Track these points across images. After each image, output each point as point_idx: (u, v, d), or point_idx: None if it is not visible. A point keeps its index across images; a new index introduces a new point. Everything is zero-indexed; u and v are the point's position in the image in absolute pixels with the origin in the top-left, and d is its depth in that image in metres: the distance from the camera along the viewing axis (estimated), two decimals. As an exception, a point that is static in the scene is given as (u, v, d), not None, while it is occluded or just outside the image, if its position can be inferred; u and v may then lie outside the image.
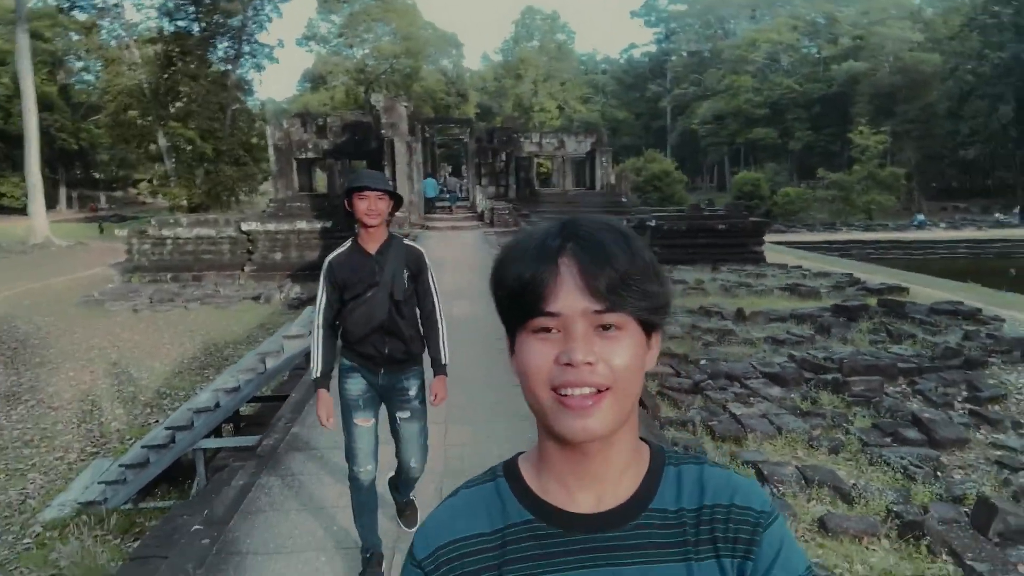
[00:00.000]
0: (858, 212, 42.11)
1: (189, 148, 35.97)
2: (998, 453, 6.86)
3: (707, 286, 15.66)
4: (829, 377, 8.80)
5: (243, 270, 20.50)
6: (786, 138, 63.06)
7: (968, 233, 33.49)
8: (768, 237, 31.09)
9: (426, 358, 3.64)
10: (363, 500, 3.52)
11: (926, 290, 15.72)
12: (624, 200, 23.13)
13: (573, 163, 25.39)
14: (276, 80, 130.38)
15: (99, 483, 5.77)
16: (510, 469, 0.91)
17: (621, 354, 0.80)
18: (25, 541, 5.55)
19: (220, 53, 38.11)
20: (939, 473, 6.36)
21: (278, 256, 20.84)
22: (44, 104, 43.31)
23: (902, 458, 6.47)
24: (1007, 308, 13.99)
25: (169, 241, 20.71)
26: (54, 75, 56.13)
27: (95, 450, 7.49)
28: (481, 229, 19.07)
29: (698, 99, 70.65)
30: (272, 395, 7.15)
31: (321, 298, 3.49)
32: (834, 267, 19.74)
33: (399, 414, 3.56)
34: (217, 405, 5.61)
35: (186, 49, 35.32)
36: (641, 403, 6.21)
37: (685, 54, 79.67)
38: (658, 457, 0.90)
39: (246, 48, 38.86)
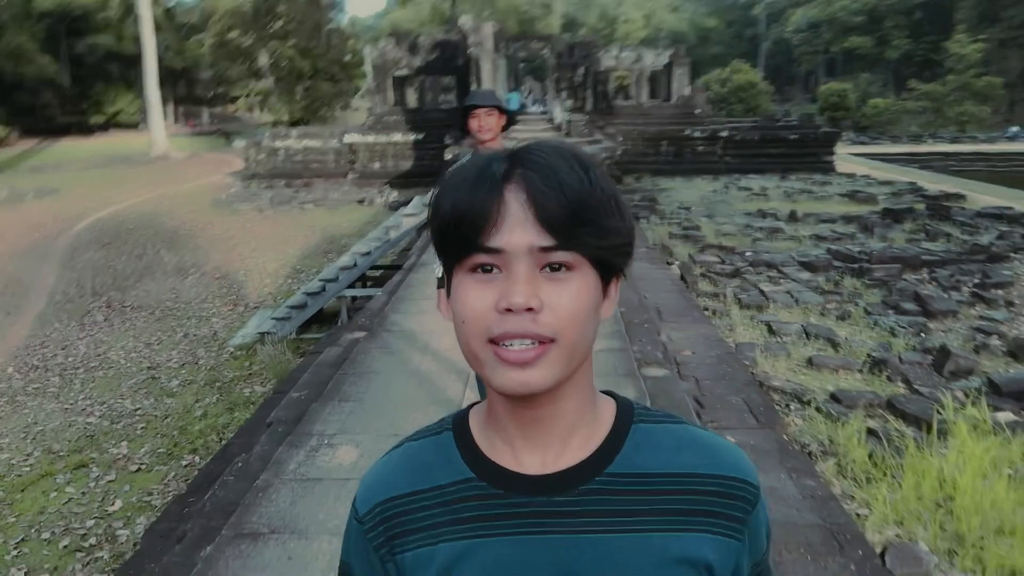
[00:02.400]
0: (950, 124, 41.12)
1: (288, 65, 38.18)
2: (981, 322, 8.24)
3: (770, 192, 16.87)
4: (856, 266, 10.20)
5: (346, 177, 22.76)
6: (883, 47, 60.64)
7: (1062, 146, 32.70)
8: (850, 149, 31.42)
9: None
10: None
11: (984, 197, 16.47)
12: (698, 111, 24.05)
13: (649, 77, 26.27)
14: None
15: (272, 318, 7.94)
16: (459, 422, 0.84)
17: (569, 300, 0.70)
18: (223, 357, 7.80)
19: (315, -28, 39.74)
20: (922, 334, 7.83)
21: (376, 165, 22.96)
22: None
23: (894, 322, 7.98)
24: (1057, 214, 14.70)
25: (281, 152, 23.08)
26: (159, -2, 59.11)
27: (255, 305, 9.75)
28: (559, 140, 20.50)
29: (793, 6, 68.22)
30: (391, 264, 9.13)
31: None
32: (902, 176, 20.42)
33: None
34: (355, 264, 7.57)
35: (283, -32, 37.20)
36: (682, 278, 7.92)
37: (783, -43, 76.38)
38: (625, 414, 0.82)
39: (340, -34, 40.28)
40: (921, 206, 14.27)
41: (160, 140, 36.00)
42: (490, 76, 20.34)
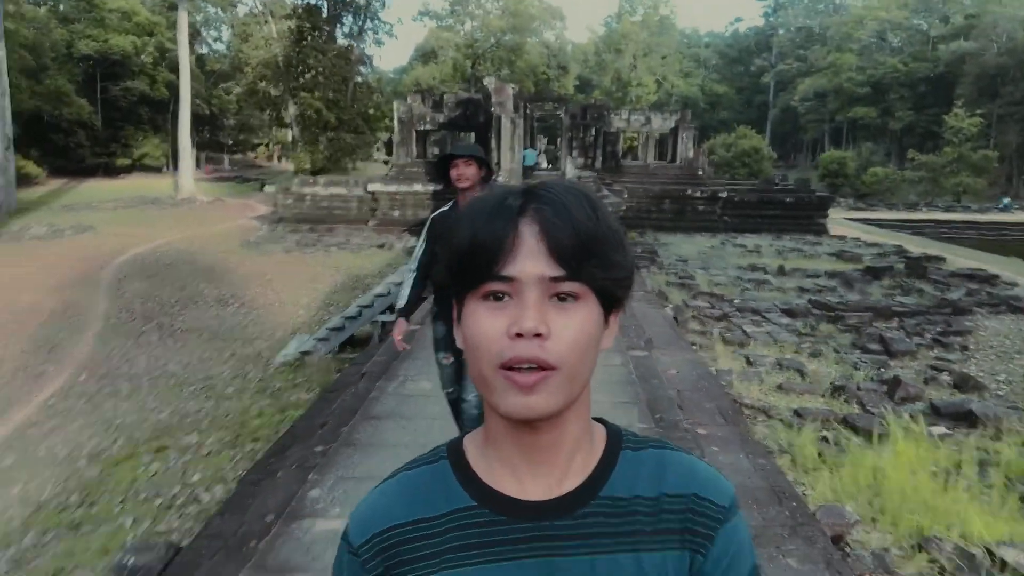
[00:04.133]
0: (947, 194, 42.66)
1: (315, 116, 40.02)
2: (936, 362, 9.31)
3: (763, 249, 18.11)
4: (832, 313, 11.32)
5: (368, 223, 24.15)
6: (887, 117, 62.63)
7: (1050, 218, 34.02)
8: (848, 214, 32.77)
9: None
10: (456, 410, 4.26)
11: (962, 260, 17.63)
12: (700, 173, 25.50)
13: (657, 139, 27.82)
14: (391, 53, 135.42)
15: (314, 339, 9.09)
16: (454, 450, 0.88)
17: (575, 329, 0.76)
18: (269, 371, 8.93)
19: (345, 29, 42.00)
20: (882, 369, 8.91)
21: (396, 213, 24.36)
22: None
23: (858, 359, 9.07)
24: (1031, 277, 15.83)
25: (308, 198, 24.55)
26: (192, 45, 61.74)
27: (293, 331, 10.90)
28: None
29: (801, 75, 70.61)
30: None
31: (420, 247, 4.05)
32: (889, 240, 21.66)
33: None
34: (388, 292, 8.73)
35: (316, 24, 39.29)
36: (675, 318, 9.09)
37: (792, 29, 79.19)
38: (614, 440, 0.87)
39: (368, 24, 42.63)
40: (901, 265, 15.43)
41: (187, 183, 37.57)
42: (509, 133, 21.92)
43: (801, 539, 4.25)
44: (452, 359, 4.13)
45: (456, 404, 4.26)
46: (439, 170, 3.88)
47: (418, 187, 24.11)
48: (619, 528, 0.82)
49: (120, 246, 19.85)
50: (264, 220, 26.53)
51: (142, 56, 50.14)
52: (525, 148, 25.03)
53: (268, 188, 27.90)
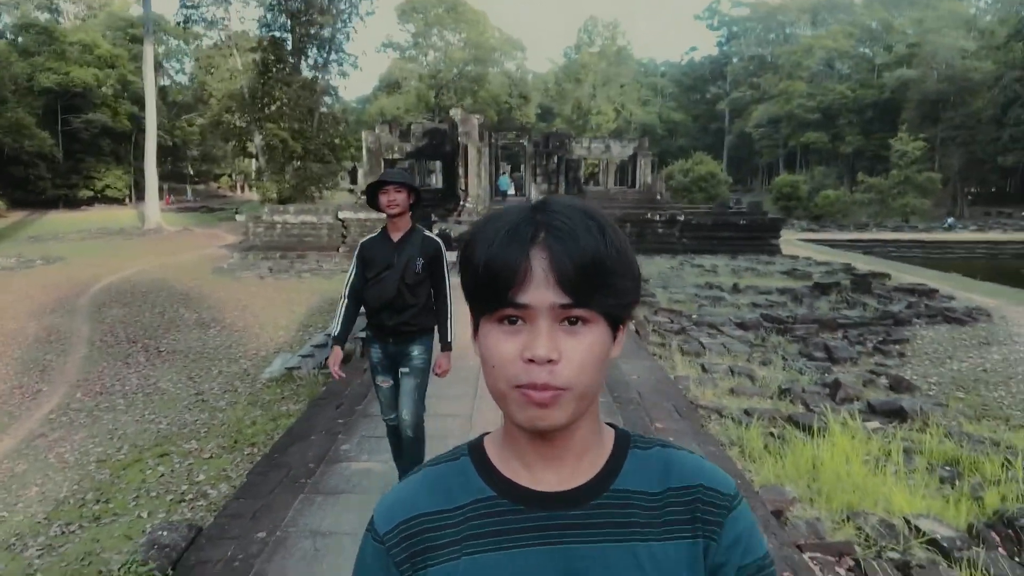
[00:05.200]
0: (895, 215, 44.62)
1: (281, 146, 40.46)
2: (875, 367, 10.18)
3: (719, 269, 19.06)
4: (782, 326, 12.19)
5: (338, 250, 24.67)
6: (837, 142, 65.07)
7: (990, 235, 35.86)
8: (801, 235, 34.14)
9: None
10: (395, 442, 4.31)
11: (906, 276, 18.75)
12: (659, 197, 26.60)
13: (617, 165, 28.91)
14: (355, 84, 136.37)
15: (298, 355, 9.64)
16: (475, 449, 0.94)
17: (584, 352, 0.81)
18: (257, 386, 9.46)
19: (310, 61, 42.68)
20: (825, 374, 9.74)
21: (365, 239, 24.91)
22: (143, 102, 47.74)
23: (803, 365, 9.90)
24: (967, 291, 16.96)
25: (279, 226, 25.02)
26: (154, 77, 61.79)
27: (275, 350, 11.43)
28: (536, 220, 22.86)
29: (755, 102, 73.01)
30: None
31: (351, 273, 4.07)
32: (838, 258, 22.82)
33: (401, 370, 4.08)
34: (370, 311, 9.38)
35: (280, 57, 39.88)
36: (636, 332, 9.86)
37: (745, 57, 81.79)
38: (623, 441, 0.94)
39: (333, 56, 43.39)
40: (847, 282, 16.45)
41: (153, 213, 37.69)
42: (476, 162, 22.73)
43: (745, 508, 4.95)
44: (391, 382, 4.13)
45: (396, 433, 4.25)
46: (369, 197, 3.95)
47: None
48: (629, 519, 0.87)
49: (93, 275, 20.12)
50: (234, 248, 26.89)
51: (103, 88, 50.11)
52: (498, 175, 26.00)
53: (239, 217, 28.26)
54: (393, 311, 3.92)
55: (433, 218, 21.98)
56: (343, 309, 4.10)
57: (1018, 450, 6.81)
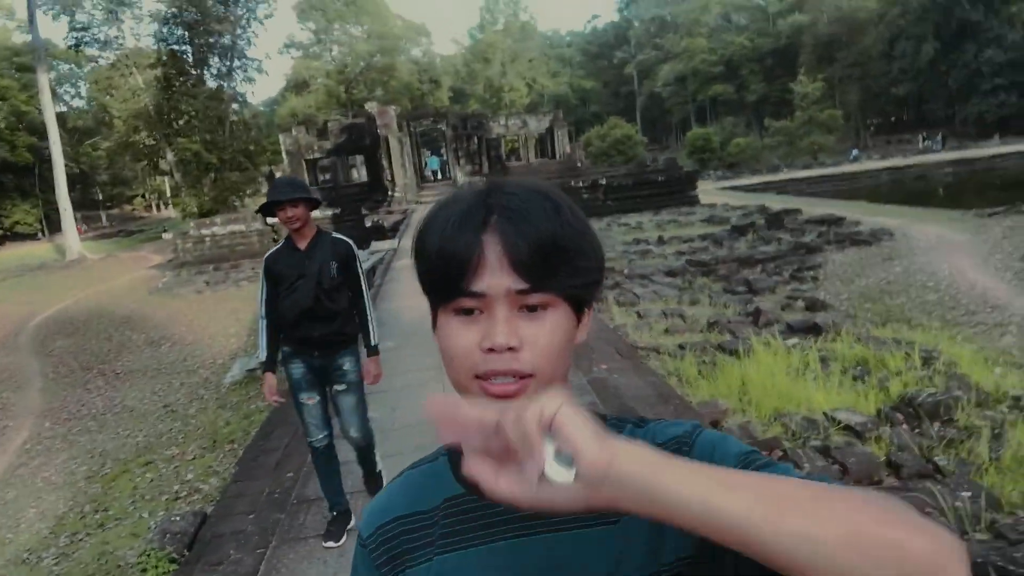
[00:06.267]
0: (803, 154, 46.75)
1: (194, 160, 39.81)
2: (792, 292, 11.17)
3: (645, 225, 20.02)
4: (705, 268, 13.11)
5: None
6: (743, 92, 67.29)
7: (891, 162, 38.07)
8: (719, 184, 35.57)
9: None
10: (322, 466, 4.06)
11: (815, 209, 20.03)
12: (579, 165, 27.46)
13: (536, 139, 29.67)
14: (262, 88, 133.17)
15: (256, 357, 10.04)
16: (452, 446, 0.84)
17: (546, 337, 0.77)
18: (222, 391, 9.84)
19: (213, 70, 41.97)
20: (748, 305, 10.65)
21: (298, 242, 25.06)
22: (43, 133, 45.90)
23: (727, 300, 10.80)
24: (873, 215, 18.30)
25: (208, 239, 24.94)
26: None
27: (232, 356, 11.77)
28: (464, 201, 23.47)
29: (660, 63, 74.58)
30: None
31: (262, 292, 3.84)
32: (753, 201, 24.08)
33: (336, 387, 3.90)
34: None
35: (182, 70, 39.16)
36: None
37: (646, 20, 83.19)
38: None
39: (236, 63, 42.76)
40: (762, 221, 17.56)
41: (74, 244, 36.72)
42: (398, 152, 23.10)
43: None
44: (317, 398, 3.90)
45: (327, 454, 4.02)
46: (264, 216, 3.91)
47: (316, 213, 24.87)
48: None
49: (26, 312, 19.84)
50: (164, 267, 26.65)
51: (-4, 122, 48.00)
52: (421, 162, 26.41)
53: (166, 235, 27.97)
54: (315, 321, 3.73)
55: (363, 211, 22.30)
56: (264, 330, 3.88)
57: (916, 344, 7.80)
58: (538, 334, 0.77)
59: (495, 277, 0.75)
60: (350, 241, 3.91)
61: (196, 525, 5.24)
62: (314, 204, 3.71)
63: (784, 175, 38.20)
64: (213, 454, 7.47)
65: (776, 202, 23.16)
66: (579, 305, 0.81)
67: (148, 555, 4.91)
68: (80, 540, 5.94)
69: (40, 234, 52.49)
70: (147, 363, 12.31)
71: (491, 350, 0.76)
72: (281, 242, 3.85)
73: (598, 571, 0.80)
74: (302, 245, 3.73)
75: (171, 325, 15.34)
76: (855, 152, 45.09)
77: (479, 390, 0.78)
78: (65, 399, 10.76)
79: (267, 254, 3.90)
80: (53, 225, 46.64)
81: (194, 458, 7.48)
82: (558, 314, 0.78)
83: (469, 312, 0.78)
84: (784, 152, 48.76)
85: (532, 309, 0.77)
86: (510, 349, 0.76)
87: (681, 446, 0.80)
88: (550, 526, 0.81)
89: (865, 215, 18.28)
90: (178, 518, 5.37)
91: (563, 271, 0.76)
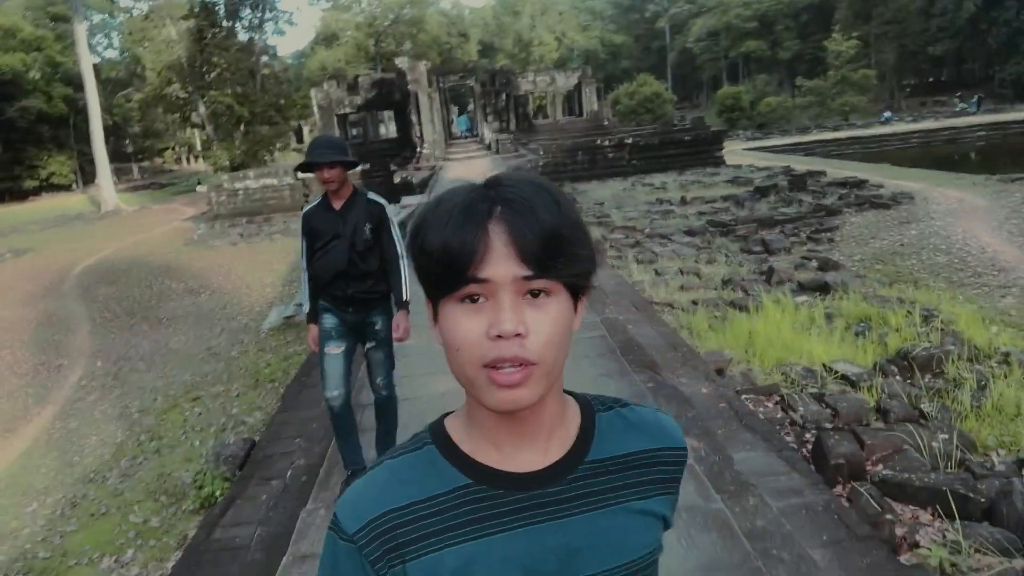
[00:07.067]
0: (834, 115, 46.15)
1: (227, 113, 40.24)
2: (807, 253, 11.49)
3: (669, 185, 20.25)
4: (725, 228, 13.43)
5: (302, 209, 25.33)
6: (776, 49, 66.06)
7: (923, 125, 37.54)
8: (747, 144, 35.43)
9: None
10: (339, 423, 4.10)
11: (840, 172, 20.11)
12: (606, 123, 27.57)
13: (564, 96, 29.76)
14: (292, 40, 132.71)
15: (293, 304, 10.64)
16: (438, 435, 0.92)
17: (549, 324, 0.80)
18: (261, 336, 10.47)
19: (245, 22, 42.22)
20: (762, 264, 11.00)
21: (329, 196, 25.61)
22: (78, 84, 46.81)
23: (743, 259, 11.16)
24: (896, 179, 18.37)
25: (241, 192, 25.57)
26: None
27: (269, 304, 12.40)
28: (489, 157, 23.96)
29: (693, 16, 73.24)
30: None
31: (302, 247, 3.97)
32: (778, 163, 24.15)
33: (368, 344, 4.04)
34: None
35: (215, 21, 39.40)
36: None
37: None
38: (588, 409, 0.95)
39: (267, 15, 42.94)
40: (785, 182, 17.73)
41: (110, 196, 37.45)
42: (428, 108, 23.44)
43: (690, 367, 6.17)
44: (342, 347, 3.96)
45: (344, 412, 4.07)
46: (296, 172, 4.28)
47: (346, 169, 25.40)
48: (606, 486, 0.90)
49: (69, 261, 20.64)
50: (198, 220, 27.37)
51: (32, 73, 48.54)
52: (450, 118, 26.73)
53: (200, 188, 28.63)
54: (349, 280, 3.83)
55: (392, 167, 22.74)
56: (306, 283, 4.03)
57: (918, 303, 8.15)
58: (543, 321, 0.80)
59: (502, 264, 0.78)
60: (384, 202, 3.99)
61: (246, 450, 5.83)
62: (351, 165, 3.79)
63: (813, 136, 37.87)
64: (256, 392, 8.09)
65: (802, 164, 23.23)
66: (575, 292, 0.85)
67: (203, 474, 5.51)
68: (139, 464, 6.60)
69: (74, 185, 53.33)
70: (188, 310, 12.99)
71: (499, 337, 0.78)
72: (318, 199, 3.93)
73: (609, 550, 0.89)
74: (337, 205, 3.81)
75: (209, 275, 16.02)
76: (887, 114, 44.39)
77: (487, 380, 0.80)
78: (114, 341, 11.48)
79: (304, 209, 4.03)
80: (87, 177, 47.45)
81: (238, 395, 8.11)
82: (559, 301, 0.82)
83: (475, 300, 0.80)
84: (815, 112, 48.14)
85: (535, 294, 0.80)
86: (517, 336, 0.78)
87: (676, 463, 0.97)
88: (570, 511, 0.87)
89: (888, 178, 18.35)
90: (230, 442, 5.99)
91: (563, 259, 0.80)
